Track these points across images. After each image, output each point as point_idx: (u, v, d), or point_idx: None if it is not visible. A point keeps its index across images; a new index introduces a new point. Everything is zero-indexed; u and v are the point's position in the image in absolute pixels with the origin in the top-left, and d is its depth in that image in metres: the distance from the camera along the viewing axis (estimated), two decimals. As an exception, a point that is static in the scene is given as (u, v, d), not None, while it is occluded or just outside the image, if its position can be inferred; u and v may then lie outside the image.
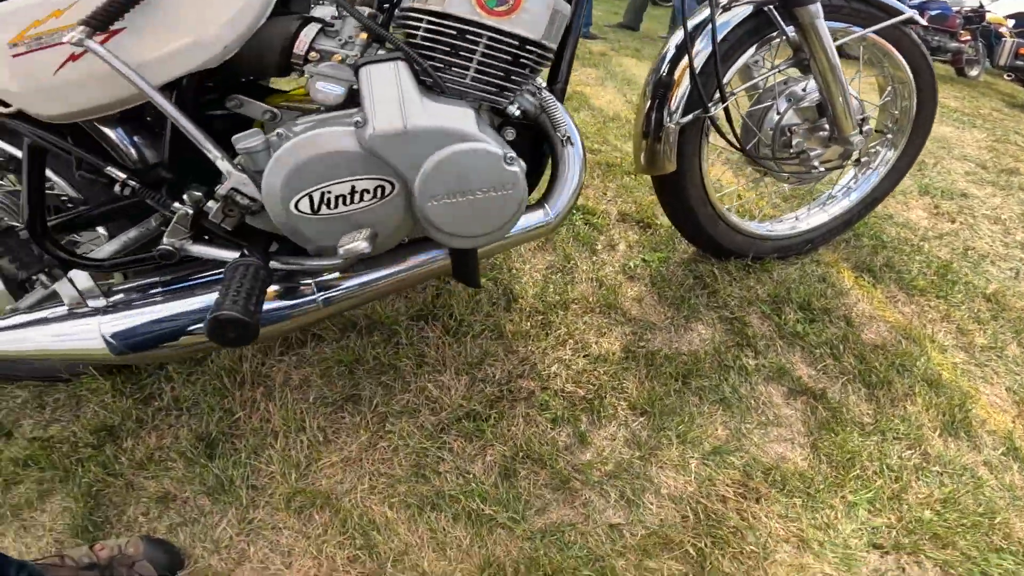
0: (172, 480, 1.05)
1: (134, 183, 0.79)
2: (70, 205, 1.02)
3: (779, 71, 1.30)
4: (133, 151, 0.85)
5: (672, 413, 1.19)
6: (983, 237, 1.92)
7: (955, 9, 5.11)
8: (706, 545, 1.00)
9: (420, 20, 0.77)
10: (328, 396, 1.16)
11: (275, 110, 0.86)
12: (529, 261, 1.50)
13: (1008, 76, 5.04)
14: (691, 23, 1.18)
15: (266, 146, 0.77)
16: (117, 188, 0.80)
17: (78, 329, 0.88)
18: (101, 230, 1.05)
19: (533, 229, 0.97)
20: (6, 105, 0.77)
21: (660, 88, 1.25)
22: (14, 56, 0.70)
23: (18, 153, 0.94)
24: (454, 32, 0.76)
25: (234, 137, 0.77)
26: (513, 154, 0.78)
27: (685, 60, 1.18)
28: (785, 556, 1.00)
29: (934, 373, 1.38)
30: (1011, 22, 5.10)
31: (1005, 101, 4.45)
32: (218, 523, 0.99)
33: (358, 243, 0.77)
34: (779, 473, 1.12)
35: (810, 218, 1.63)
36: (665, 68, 1.25)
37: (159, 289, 0.96)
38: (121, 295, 0.97)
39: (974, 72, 5.21)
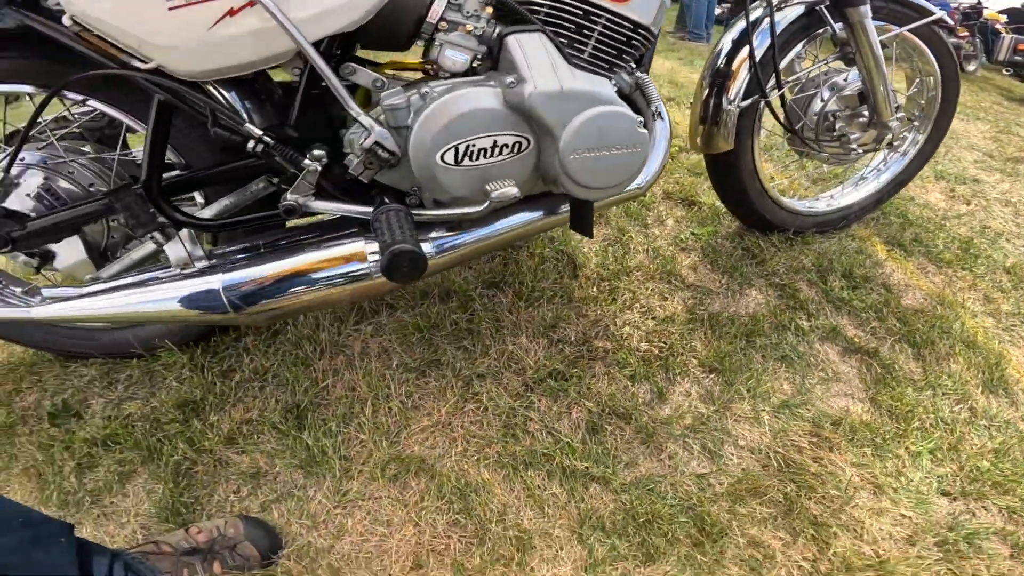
0: (262, 454, 1.03)
1: (269, 140, 0.82)
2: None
3: (826, 64, 1.40)
4: (256, 113, 0.87)
5: (740, 370, 1.24)
6: (996, 218, 2.03)
7: (953, 5, 5.29)
8: (791, 491, 1.04)
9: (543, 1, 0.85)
10: (409, 363, 1.18)
11: (383, 78, 0.90)
12: (585, 235, 1.55)
13: (1006, 71, 5.21)
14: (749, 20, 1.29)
15: (407, 104, 0.83)
16: (251, 145, 0.82)
17: (197, 287, 0.89)
18: (197, 196, 1.06)
19: (629, 192, 1.05)
20: (144, 61, 0.79)
21: (719, 77, 1.35)
22: (171, 9, 0.72)
23: (116, 115, 0.95)
24: (580, 13, 0.86)
25: (383, 94, 0.84)
26: (642, 119, 0.85)
27: (743, 52, 1.29)
28: (864, 501, 1.05)
29: (970, 335, 1.45)
30: (1004, 17, 5.33)
31: (1004, 95, 4.65)
32: (313, 496, 0.97)
33: (509, 189, 0.85)
34: (847, 424, 1.17)
35: (844, 197, 1.72)
36: (723, 60, 1.35)
37: (263, 250, 0.97)
38: (223, 257, 0.99)
39: (972, 67, 5.30)
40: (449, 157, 0.83)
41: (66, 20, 0.75)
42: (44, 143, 0.99)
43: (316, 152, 0.86)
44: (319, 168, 0.85)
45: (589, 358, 1.21)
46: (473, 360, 1.19)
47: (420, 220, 0.91)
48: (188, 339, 1.21)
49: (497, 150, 0.85)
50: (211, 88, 0.86)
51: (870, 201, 1.72)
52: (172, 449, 1.02)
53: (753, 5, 1.29)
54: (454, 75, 0.87)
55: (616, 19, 0.87)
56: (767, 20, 1.25)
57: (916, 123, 1.68)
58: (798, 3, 1.31)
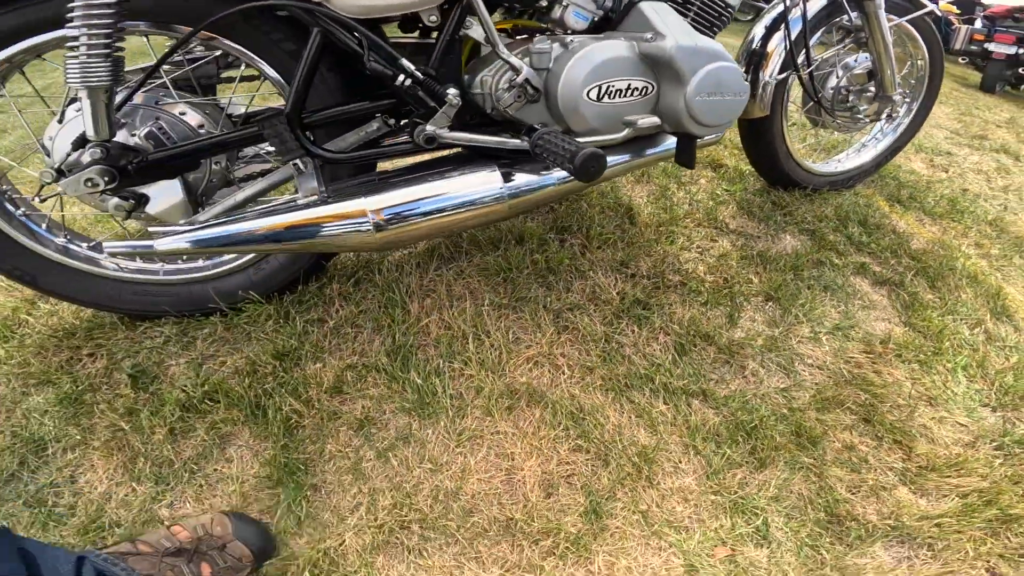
0: (370, 400, 1.02)
1: (419, 75, 0.90)
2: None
3: (843, 47, 1.60)
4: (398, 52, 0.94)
5: (793, 298, 1.36)
6: (972, 183, 2.27)
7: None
8: (866, 400, 1.14)
9: None
10: (497, 300, 1.23)
11: (498, 34, 0.99)
12: (632, 190, 1.65)
13: (962, 60, 5.65)
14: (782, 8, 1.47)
15: (550, 50, 0.98)
16: (400, 80, 0.89)
17: (343, 209, 0.93)
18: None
19: (706, 143, 1.25)
20: None
21: (755, 56, 1.52)
22: None
23: (248, 55, 0.98)
24: None
25: (534, 40, 1.00)
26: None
27: (777, 35, 1.47)
28: (925, 410, 1.16)
29: (971, 272, 1.63)
30: (956, 9, 5.86)
31: (959, 82, 5.12)
32: (430, 439, 0.97)
33: (652, 119, 1.05)
34: (892, 343, 1.30)
35: (849, 161, 1.91)
36: (758, 43, 1.52)
37: (400, 178, 1.02)
38: (336, 192, 1.02)
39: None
40: (593, 94, 0.99)
41: None
42: (151, 85, 1.00)
43: (452, 90, 0.94)
44: (459, 103, 0.92)
45: (664, 288, 1.30)
46: (559, 295, 1.25)
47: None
48: (272, 290, 1.20)
49: (629, 92, 1.03)
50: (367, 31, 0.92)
51: (871, 165, 1.91)
52: (278, 403, 0.99)
53: None
54: (574, 32, 1.02)
55: None
56: (797, 8, 1.42)
57: (908, 99, 1.90)
58: None
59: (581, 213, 1.46)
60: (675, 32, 1.00)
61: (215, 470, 0.92)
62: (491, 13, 0.96)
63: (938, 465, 1.03)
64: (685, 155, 1.13)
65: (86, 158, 0.89)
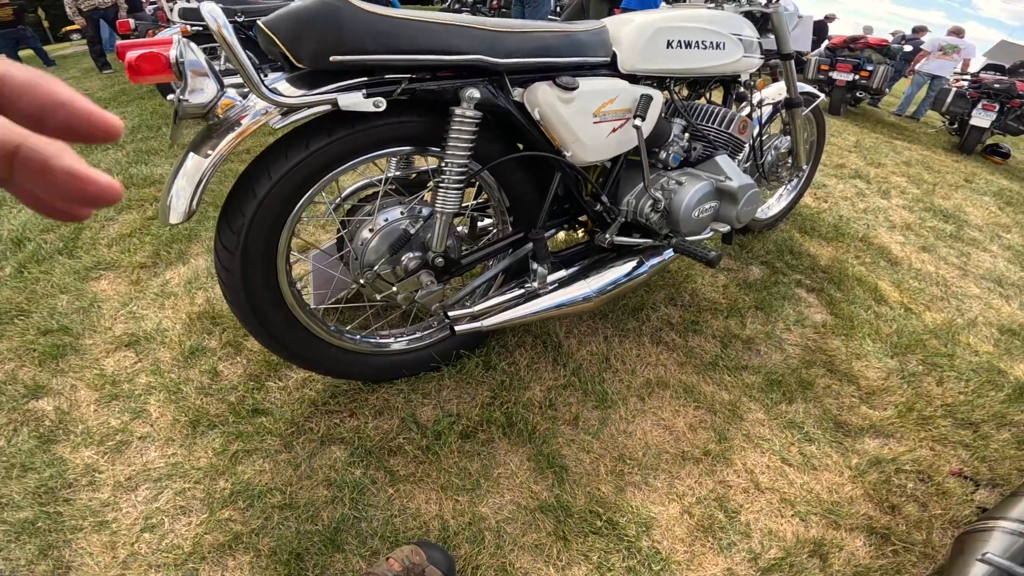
0: (573, 405, 1.61)
1: (607, 202, 1.61)
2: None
3: (778, 135, 2.49)
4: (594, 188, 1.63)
5: (770, 307, 2.21)
6: (844, 209, 3.35)
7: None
8: (826, 359, 1.99)
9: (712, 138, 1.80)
10: (609, 333, 1.96)
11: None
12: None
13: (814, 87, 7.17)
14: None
15: (672, 188, 1.69)
16: (597, 207, 1.60)
17: (574, 290, 1.56)
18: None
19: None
20: (558, 152, 1.43)
21: None
22: (594, 123, 1.43)
23: (492, 185, 1.50)
24: (725, 140, 1.81)
25: (662, 179, 1.69)
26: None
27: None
28: (856, 362, 2.04)
29: (858, 275, 2.60)
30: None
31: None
32: (617, 419, 1.58)
33: (722, 225, 1.76)
34: (827, 326, 2.18)
35: (773, 208, 2.85)
36: None
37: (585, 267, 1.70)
38: (557, 278, 1.66)
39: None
40: (696, 213, 1.68)
41: (535, 114, 1.32)
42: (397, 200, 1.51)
43: (621, 208, 1.66)
44: (624, 220, 1.65)
45: (701, 310, 2.10)
46: (644, 323, 2.01)
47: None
48: (472, 346, 1.74)
49: (712, 209, 1.73)
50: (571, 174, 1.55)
51: (787, 209, 2.88)
52: (519, 418, 1.51)
53: (743, 104, 2.31)
54: (668, 167, 1.74)
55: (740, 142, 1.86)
56: (755, 113, 2.28)
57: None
58: (768, 104, 2.38)
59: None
60: (736, 176, 1.72)
61: (498, 473, 1.39)
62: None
63: (876, 390, 1.89)
64: (728, 239, 1.89)
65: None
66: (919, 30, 10.06)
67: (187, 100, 0.94)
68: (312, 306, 1.39)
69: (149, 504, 1.28)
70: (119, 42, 0.98)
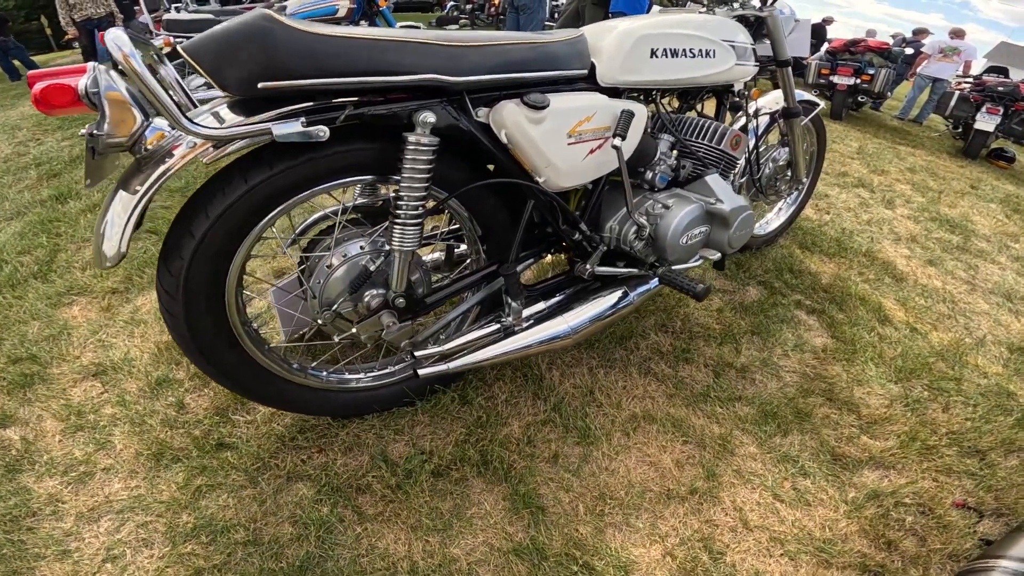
0: (548, 443, 1.51)
1: (586, 230, 1.51)
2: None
3: (776, 147, 2.39)
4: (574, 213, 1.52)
5: (767, 331, 2.11)
6: (846, 221, 3.24)
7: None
8: (825, 387, 1.89)
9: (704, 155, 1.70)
10: (595, 364, 1.86)
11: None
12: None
13: (814, 92, 6.94)
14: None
15: (657, 212, 1.59)
16: (576, 236, 1.50)
17: (552, 326, 1.46)
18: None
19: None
20: (531, 178, 1.31)
21: None
22: (568, 144, 1.31)
23: (463, 215, 1.38)
24: (716, 156, 1.71)
25: (646, 202, 1.58)
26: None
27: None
28: (857, 389, 1.92)
29: (861, 294, 2.49)
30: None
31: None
32: (599, 456, 1.50)
33: (713, 252, 1.66)
34: (827, 351, 2.08)
35: (771, 223, 2.74)
36: None
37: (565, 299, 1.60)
38: (534, 312, 1.55)
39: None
40: (684, 239, 1.58)
41: (502, 136, 1.21)
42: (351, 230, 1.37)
43: (600, 235, 1.56)
44: (606, 248, 1.55)
45: (693, 337, 2.00)
46: (632, 353, 1.91)
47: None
48: (447, 381, 1.63)
49: (701, 234, 1.63)
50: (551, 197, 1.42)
51: (786, 224, 2.77)
52: (494, 456, 1.43)
53: (739, 114, 2.21)
54: (656, 188, 1.64)
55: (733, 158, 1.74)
56: (751, 124, 2.18)
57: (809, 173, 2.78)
58: (765, 114, 2.27)
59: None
60: (728, 199, 1.62)
61: (471, 513, 1.33)
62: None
63: (878, 419, 1.78)
64: (720, 264, 1.79)
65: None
66: (919, 32, 9.92)
67: (101, 134, 0.85)
68: (271, 345, 1.31)
69: (111, 535, 1.26)
70: (28, 73, 0.90)
